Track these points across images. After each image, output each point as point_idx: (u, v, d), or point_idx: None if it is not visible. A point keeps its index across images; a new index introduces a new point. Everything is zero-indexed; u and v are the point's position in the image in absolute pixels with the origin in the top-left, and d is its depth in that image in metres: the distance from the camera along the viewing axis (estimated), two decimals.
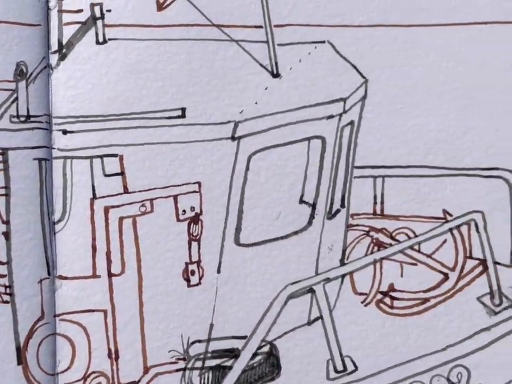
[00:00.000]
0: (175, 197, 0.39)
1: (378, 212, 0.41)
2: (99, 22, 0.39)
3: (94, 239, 0.38)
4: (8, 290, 0.37)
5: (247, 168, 0.39)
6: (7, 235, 0.37)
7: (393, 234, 0.40)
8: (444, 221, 0.41)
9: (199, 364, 0.38)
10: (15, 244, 0.37)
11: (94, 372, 0.37)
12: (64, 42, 0.39)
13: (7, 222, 0.37)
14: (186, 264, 0.38)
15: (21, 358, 0.37)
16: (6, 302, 0.37)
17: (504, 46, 0.42)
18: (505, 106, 0.41)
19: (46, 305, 0.37)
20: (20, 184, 0.37)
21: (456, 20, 0.42)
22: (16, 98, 0.38)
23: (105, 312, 0.37)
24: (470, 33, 0.42)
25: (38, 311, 0.37)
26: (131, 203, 0.38)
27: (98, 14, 0.39)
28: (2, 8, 0.38)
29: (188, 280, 0.38)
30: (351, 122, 0.41)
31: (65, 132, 0.38)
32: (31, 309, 0.37)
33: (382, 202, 0.41)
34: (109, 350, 0.37)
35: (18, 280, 0.37)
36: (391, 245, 0.40)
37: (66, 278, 0.37)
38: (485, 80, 0.42)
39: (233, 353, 0.38)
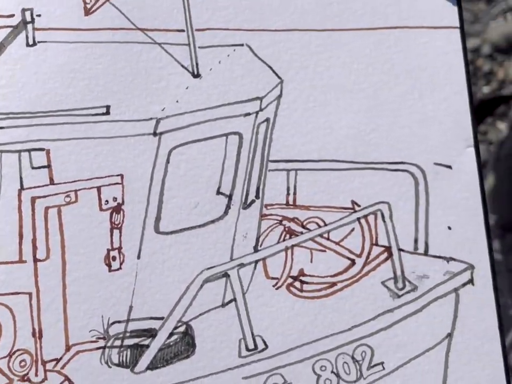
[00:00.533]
0: (99, 188, 0.39)
1: (290, 202, 0.41)
2: (29, 26, 0.39)
3: (21, 227, 0.38)
4: None
5: (168, 162, 0.39)
6: None
7: (304, 223, 0.41)
8: (352, 211, 0.41)
9: (118, 342, 0.38)
10: None
11: (19, 350, 0.37)
12: None
13: None
14: (108, 250, 0.38)
15: None
16: None
17: (409, 49, 0.42)
18: (409, 105, 0.41)
19: None
20: None
21: (366, 25, 0.42)
22: None
23: (30, 294, 0.37)
24: (378, 37, 0.42)
25: None
26: (56, 194, 0.38)
27: (29, 19, 0.39)
28: None
29: (109, 265, 0.38)
30: (267, 120, 0.41)
31: None
32: None
33: (295, 194, 0.41)
34: (33, 329, 0.37)
35: None
36: (302, 233, 0.41)
37: None
38: (392, 81, 0.42)
39: (151, 333, 0.38)
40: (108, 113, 0.39)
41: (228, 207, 0.40)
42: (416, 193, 0.42)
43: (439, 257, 0.41)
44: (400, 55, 0.42)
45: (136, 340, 0.38)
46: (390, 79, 0.42)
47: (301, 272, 0.40)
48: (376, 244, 0.41)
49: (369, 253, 0.41)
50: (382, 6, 0.42)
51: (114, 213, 0.39)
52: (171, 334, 0.39)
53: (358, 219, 0.41)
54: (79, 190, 0.38)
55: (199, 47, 0.40)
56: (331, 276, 0.41)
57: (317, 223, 0.41)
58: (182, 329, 0.39)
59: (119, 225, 0.39)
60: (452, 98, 0.42)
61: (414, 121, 0.42)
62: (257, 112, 0.41)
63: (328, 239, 0.41)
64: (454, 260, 0.41)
